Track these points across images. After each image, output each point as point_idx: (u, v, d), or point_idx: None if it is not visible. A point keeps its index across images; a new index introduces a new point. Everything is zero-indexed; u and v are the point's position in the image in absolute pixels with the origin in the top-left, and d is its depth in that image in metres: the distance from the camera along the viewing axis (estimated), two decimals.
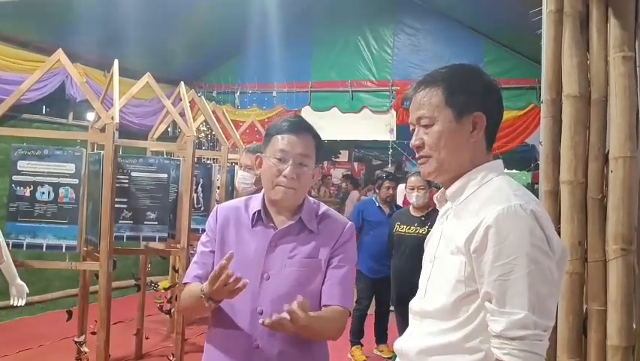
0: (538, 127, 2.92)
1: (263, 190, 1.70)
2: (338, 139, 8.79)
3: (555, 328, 2.08)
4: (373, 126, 8.02)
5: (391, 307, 4.62)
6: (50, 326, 4.95)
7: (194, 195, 4.29)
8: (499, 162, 1.35)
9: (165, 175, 3.71)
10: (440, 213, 1.39)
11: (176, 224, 3.86)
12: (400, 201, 5.94)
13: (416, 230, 4.18)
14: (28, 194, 3.38)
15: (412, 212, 4.28)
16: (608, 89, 2.14)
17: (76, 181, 3.42)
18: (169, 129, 6.38)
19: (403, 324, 1.79)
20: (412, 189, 4.15)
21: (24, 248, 3.41)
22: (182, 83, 4.37)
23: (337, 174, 11.05)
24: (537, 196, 1.66)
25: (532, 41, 2.66)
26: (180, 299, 1.69)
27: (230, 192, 4.27)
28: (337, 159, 11.77)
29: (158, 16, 6.29)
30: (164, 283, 4.77)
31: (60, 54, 3.51)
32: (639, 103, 2.12)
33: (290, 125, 1.63)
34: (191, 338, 4.79)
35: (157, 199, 3.68)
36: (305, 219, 1.64)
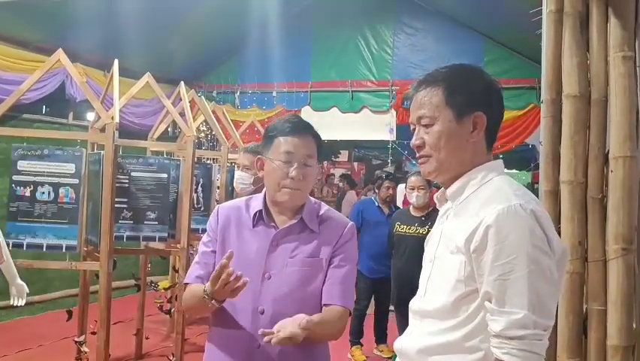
0: (538, 127, 2.93)
1: (263, 190, 1.70)
2: (338, 139, 8.78)
3: (555, 328, 2.08)
4: (373, 126, 8.00)
5: (391, 307, 4.62)
6: (50, 325, 4.95)
7: (194, 195, 4.29)
8: (500, 162, 1.35)
9: (165, 175, 3.71)
10: (440, 213, 1.39)
11: (176, 224, 3.86)
12: (399, 201, 5.93)
13: (416, 230, 4.18)
14: (28, 194, 3.39)
15: (412, 212, 4.28)
16: (608, 89, 2.14)
17: (76, 181, 3.43)
18: (169, 129, 6.38)
19: (404, 324, 1.79)
20: (412, 189, 4.16)
21: (24, 248, 3.41)
22: (182, 83, 4.37)
23: (338, 173, 11.06)
24: (537, 196, 1.66)
25: (532, 41, 2.66)
26: (182, 300, 1.69)
27: (230, 192, 4.27)
28: (337, 159, 11.77)
29: (158, 16, 6.28)
30: (164, 283, 4.77)
31: (60, 54, 3.51)
32: (639, 103, 2.12)
33: (292, 127, 1.63)
34: (191, 338, 4.79)
35: (157, 199, 3.68)
36: (306, 219, 1.64)
